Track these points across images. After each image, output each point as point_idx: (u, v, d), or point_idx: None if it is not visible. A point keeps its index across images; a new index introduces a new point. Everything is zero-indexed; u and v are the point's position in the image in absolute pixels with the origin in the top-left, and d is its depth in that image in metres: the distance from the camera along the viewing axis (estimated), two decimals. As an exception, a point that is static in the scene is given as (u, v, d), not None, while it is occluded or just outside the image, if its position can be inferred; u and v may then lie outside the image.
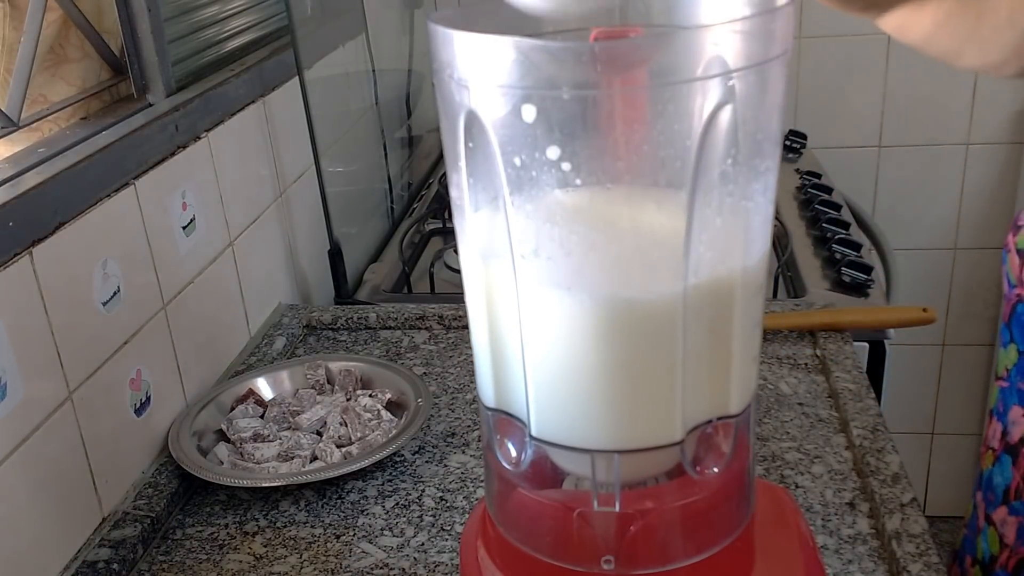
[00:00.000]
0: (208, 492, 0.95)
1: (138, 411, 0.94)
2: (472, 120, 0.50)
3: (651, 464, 0.56)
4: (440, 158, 1.86)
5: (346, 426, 0.98)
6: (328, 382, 1.06)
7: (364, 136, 1.60)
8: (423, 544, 0.86)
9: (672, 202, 0.49)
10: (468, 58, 0.50)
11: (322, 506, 0.92)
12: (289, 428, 0.99)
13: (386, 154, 1.67)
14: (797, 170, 1.78)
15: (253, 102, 1.20)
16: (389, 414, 1.00)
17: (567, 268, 0.51)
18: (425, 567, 0.83)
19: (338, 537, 0.88)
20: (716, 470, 0.56)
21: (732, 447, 0.56)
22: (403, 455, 0.98)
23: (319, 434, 0.99)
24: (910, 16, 0.63)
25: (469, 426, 1.03)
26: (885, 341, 1.28)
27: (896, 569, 0.79)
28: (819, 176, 1.74)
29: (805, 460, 0.94)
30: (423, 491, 0.93)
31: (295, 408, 1.01)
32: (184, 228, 1.03)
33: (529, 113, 0.48)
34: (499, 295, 0.54)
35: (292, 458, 0.94)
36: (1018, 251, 0.81)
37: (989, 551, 0.84)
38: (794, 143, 1.89)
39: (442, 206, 1.63)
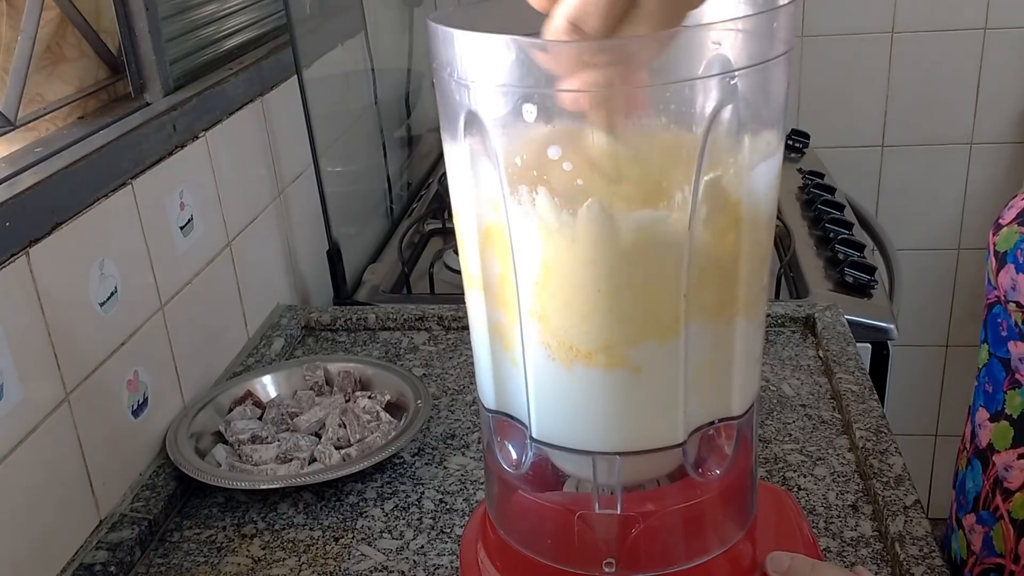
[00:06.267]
0: (206, 494, 0.94)
1: (135, 412, 0.93)
2: (472, 119, 0.50)
3: (653, 466, 0.55)
4: (440, 158, 1.86)
5: (345, 428, 0.97)
6: (327, 383, 1.06)
7: (363, 136, 1.60)
8: (423, 547, 0.85)
9: (674, 200, 0.49)
10: (468, 57, 0.49)
11: (321, 508, 0.91)
12: (287, 430, 0.98)
13: (385, 154, 1.66)
14: (800, 170, 1.77)
15: (251, 101, 1.20)
16: (388, 416, 1.00)
17: (568, 267, 0.50)
18: (425, 570, 0.83)
19: (337, 540, 0.87)
20: (718, 472, 0.56)
21: (734, 449, 0.56)
22: (402, 457, 0.98)
23: (318, 436, 0.98)
24: None
25: (469, 428, 1.02)
26: (888, 342, 1.28)
27: (899, 572, 0.78)
28: (822, 176, 1.73)
29: (808, 462, 0.94)
30: (423, 493, 0.93)
31: (293, 410, 1.01)
32: (182, 228, 1.02)
33: (529, 112, 0.48)
34: (500, 295, 0.53)
35: (290, 460, 0.94)
36: (995, 253, 0.80)
37: (960, 554, 0.84)
38: (796, 143, 1.89)
39: (442, 206, 1.62)
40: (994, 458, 0.79)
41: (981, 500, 0.81)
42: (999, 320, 0.80)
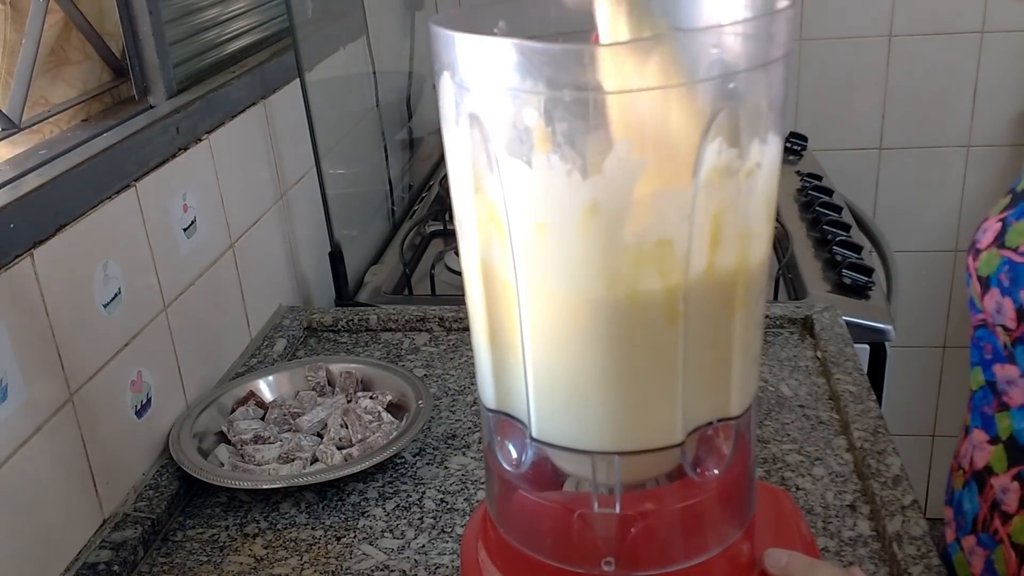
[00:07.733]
0: (209, 494, 0.95)
1: (139, 413, 0.94)
2: (473, 122, 0.50)
3: (652, 466, 0.56)
4: (441, 160, 1.87)
5: (347, 428, 0.98)
6: (329, 384, 1.06)
7: (365, 138, 1.60)
8: (424, 546, 0.86)
9: (674, 203, 0.49)
10: (469, 60, 0.50)
11: (323, 508, 0.92)
12: (290, 430, 0.99)
13: (387, 156, 1.67)
14: (798, 172, 1.78)
15: (254, 104, 1.20)
16: (390, 416, 1.00)
17: (568, 269, 0.51)
18: (426, 569, 0.83)
19: (339, 539, 0.88)
20: (716, 472, 0.56)
21: (733, 449, 0.56)
22: (404, 457, 0.98)
23: (320, 436, 0.99)
24: None
25: (470, 428, 1.03)
26: (886, 343, 1.28)
27: (897, 571, 0.79)
28: (820, 178, 1.74)
29: (806, 462, 0.94)
30: (424, 493, 0.93)
31: (296, 410, 1.01)
32: (185, 230, 1.03)
33: (530, 115, 0.48)
34: (500, 296, 0.54)
35: (293, 460, 0.94)
36: (978, 278, 0.80)
37: (958, 574, 0.84)
38: (795, 145, 1.89)
39: (443, 208, 1.63)
40: (991, 480, 0.80)
41: (979, 522, 0.82)
42: (983, 344, 0.81)
